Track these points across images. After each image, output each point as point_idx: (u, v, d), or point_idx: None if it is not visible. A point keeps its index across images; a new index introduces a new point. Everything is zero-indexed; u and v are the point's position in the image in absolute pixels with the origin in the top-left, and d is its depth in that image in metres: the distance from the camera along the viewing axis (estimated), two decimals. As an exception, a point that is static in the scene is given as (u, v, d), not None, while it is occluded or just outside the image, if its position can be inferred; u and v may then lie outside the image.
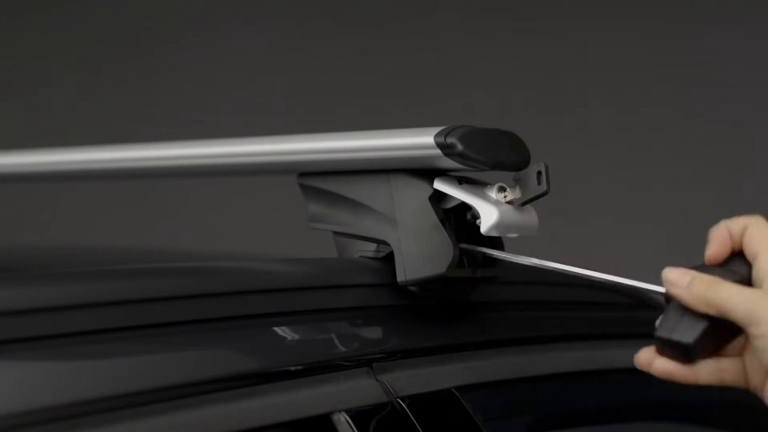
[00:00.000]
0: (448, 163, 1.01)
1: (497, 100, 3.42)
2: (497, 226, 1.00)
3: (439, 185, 1.02)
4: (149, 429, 0.81)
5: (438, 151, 1.00)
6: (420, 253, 1.02)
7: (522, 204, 1.01)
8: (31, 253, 1.64)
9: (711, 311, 0.88)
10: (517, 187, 1.01)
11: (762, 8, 3.31)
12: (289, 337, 0.96)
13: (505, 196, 1.02)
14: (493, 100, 3.44)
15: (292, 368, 0.93)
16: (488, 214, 1.00)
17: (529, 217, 1.03)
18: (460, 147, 1.00)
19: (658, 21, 3.38)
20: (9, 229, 3.74)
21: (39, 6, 3.97)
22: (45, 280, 0.89)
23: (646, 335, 1.34)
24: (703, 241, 0.94)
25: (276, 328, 0.96)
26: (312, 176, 1.11)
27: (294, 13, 3.73)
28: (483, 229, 1.00)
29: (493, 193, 1.02)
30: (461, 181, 1.03)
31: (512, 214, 1.01)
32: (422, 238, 1.02)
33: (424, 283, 1.03)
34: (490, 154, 1.01)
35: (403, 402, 0.97)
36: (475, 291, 1.09)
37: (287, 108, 3.61)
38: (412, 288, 1.04)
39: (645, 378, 1.30)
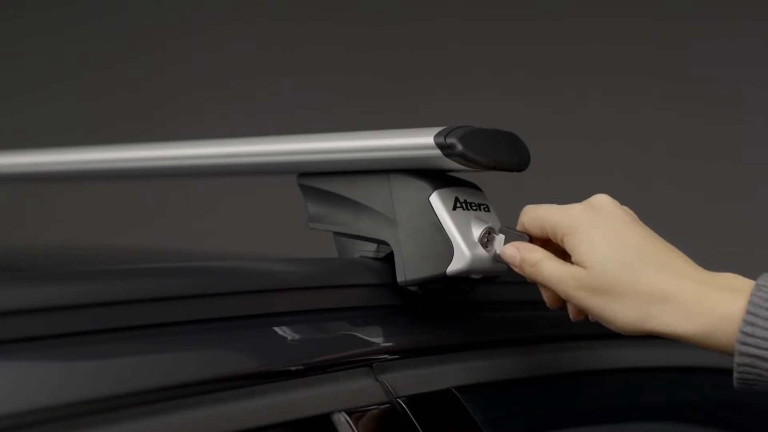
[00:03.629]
0: (448, 163, 1.01)
1: (497, 100, 3.42)
2: (463, 270, 1.01)
3: (435, 200, 1.02)
4: (149, 429, 0.81)
5: (438, 152, 1.00)
6: (420, 254, 1.02)
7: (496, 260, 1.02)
8: (31, 253, 1.63)
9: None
10: (504, 237, 1.02)
11: (762, 7, 3.31)
12: (289, 337, 0.96)
13: (486, 242, 1.02)
14: (493, 100, 3.44)
15: (292, 368, 0.93)
16: (459, 258, 1.00)
17: (501, 264, 1.03)
18: (459, 147, 1.00)
19: (659, 21, 3.38)
20: (9, 229, 3.74)
21: (39, 6, 3.97)
22: (45, 280, 0.89)
23: (645, 335, 1.34)
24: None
25: (276, 328, 0.96)
26: (312, 176, 1.11)
27: (294, 13, 3.72)
28: (449, 269, 1.01)
29: (478, 232, 1.02)
30: (458, 200, 1.02)
31: (484, 261, 1.02)
32: (422, 238, 1.02)
33: (424, 283, 1.03)
34: (490, 154, 1.01)
35: (403, 402, 0.97)
36: (475, 291, 1.09)
37: (287, 108, 3.61)
38: (412, 288, 1.04)
39: (645, 378, 1.31)
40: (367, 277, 1.05)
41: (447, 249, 1.01)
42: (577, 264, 0.96)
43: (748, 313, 0.89)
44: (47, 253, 1.64)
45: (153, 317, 0.88)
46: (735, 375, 0.91)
